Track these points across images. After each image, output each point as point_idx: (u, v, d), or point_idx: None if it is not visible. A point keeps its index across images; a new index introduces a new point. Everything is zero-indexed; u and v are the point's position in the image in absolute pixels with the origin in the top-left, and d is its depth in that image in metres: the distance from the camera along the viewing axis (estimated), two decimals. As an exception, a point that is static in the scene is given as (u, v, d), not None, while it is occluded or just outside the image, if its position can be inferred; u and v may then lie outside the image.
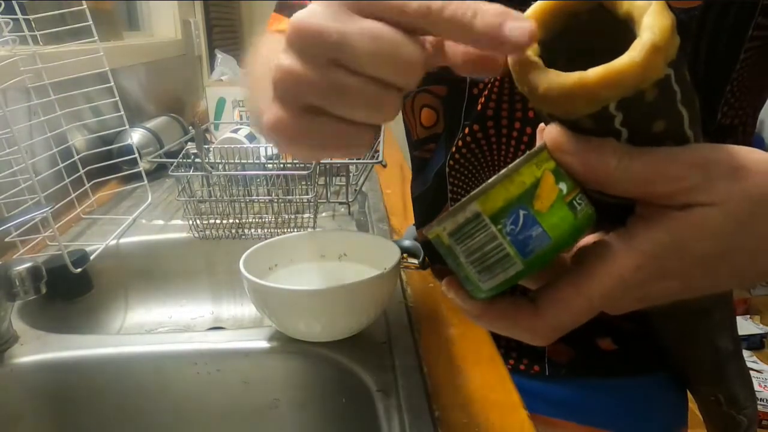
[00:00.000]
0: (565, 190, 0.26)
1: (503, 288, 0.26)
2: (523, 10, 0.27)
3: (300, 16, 0.26)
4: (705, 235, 0.25)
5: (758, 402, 0.63)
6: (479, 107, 0.54)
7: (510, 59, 0.27)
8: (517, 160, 0.25)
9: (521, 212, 0.25)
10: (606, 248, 0.26)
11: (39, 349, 0.55)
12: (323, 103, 0.27)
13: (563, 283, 0.27)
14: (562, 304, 0.27)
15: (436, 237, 0.26)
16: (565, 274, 0.27)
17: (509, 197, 0.25)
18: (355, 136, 0.28)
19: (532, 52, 0.27)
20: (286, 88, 0.27)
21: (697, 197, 0.25)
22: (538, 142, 0.29)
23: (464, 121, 0.55)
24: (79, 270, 0.68)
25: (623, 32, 0.25)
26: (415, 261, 0.71)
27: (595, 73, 0.24)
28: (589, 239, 0.29)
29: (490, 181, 0.25)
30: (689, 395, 0.64)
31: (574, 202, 0.26)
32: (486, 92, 0.53)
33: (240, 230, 0.82)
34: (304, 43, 0.26)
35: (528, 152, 0.26)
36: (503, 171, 0.25)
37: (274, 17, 0.61)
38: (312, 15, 0.26)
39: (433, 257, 0.68)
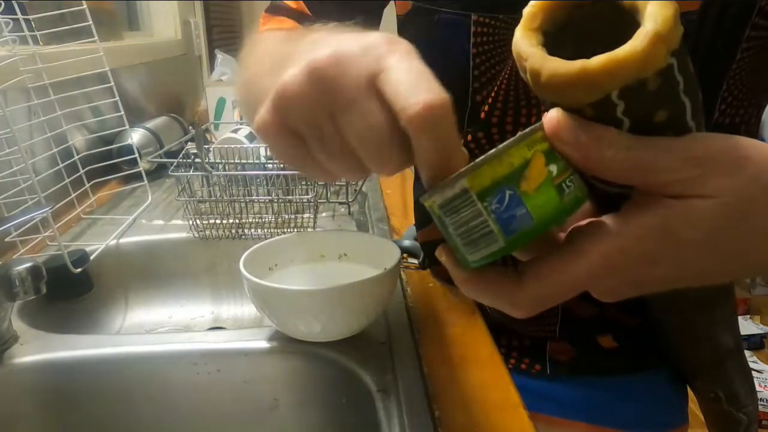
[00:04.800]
0: (555, 172, 0.26)
1: (487, 261, 0.27)
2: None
3: (335, 54, 0.28)
4: (697, 224, 0.25)
5: (758, 402, 0.63)
6: (483, 114, 0.54)
7: (514, 48, 0.28)
8: (509, 140, 0.26)
9: (507, 192, 0.25)
10: (596, 228, 0.27)
11: (39, 349, 0.55)
12: (307, 139, 0.30)
13: (550, 258, 0.27)
14: (545, 278, 0.27)
15: (429, 206, 0.28)
16: (554, 250, 0.27)
17: (496, 177, 0.25)
18: (323, 176, 0.31)
19: (536, 41, 0.27)
20: (284, 105, 0.29)
21: (691, 189, 0.25)
22: None
23: (467, 128, 0.55)
24: (79, 270, 0.68)
25: (628, 22, 0.25)
26: (415, 261, 0.71)
27: (597, 61, 0.24)
28: (584, 221, 0.29)
29: (480, 159, 0.26)
30: (690, 393, 0.64)
31: (563, 185, 0.26)
32: (490, 100, 0.53)
33: (240, 230, 0.82)
34: (318, 83, 0.28)
35: (521, 132, 0.26)
36: (494, 150, 0.25)
37: (265, 18, 0.61)
38: (342, 62, 0.28)
39: (432, 258, 0.68)
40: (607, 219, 0.27)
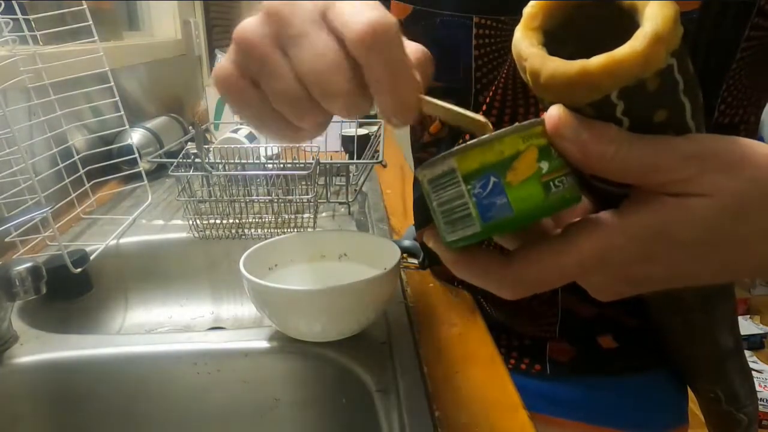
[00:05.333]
0: (545, 169, 0.26)
1: (463, 243, 0.27)
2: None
3: None
4: (694, 224, 0.25)
5: (758, 402, 0.63)
6: (481, 114, 0.54)
7: (514, 48, 0.28)
8: (506, 129, 0.26)
9: (492, 179, 0.26)
10: (591, 222, 0.27)
11: (39, 349, 0.55)
12: (261, 81, 0.29)
13: (542, 244, 0.27)
14: (535, 262, 0.27)
15: (420, 179, 0.28)
16: (546, 239, 0.28)
17: (484, 161, 0.26)
18: (278, 126, 0.30)
19: (536, 41, 0.27)
20: (240, 48, 0.29)
21: (690, 188, 0.25)
22: None
23: None
24: (79, 270, 0.68)
25: (628, 22, 0.25)
26: (415, 261, 0.71)
27: (597, 61, 0.24)
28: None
29: (473, 141, 0.26)
30: (690, 393, 0.64)
31: (551, 183, 0.26)
32: (488, 99, 0.53)
33: (240, 230, 0.82)
34: (271, 21, 0.28)
35: (519, 124, 0.26)
36: (487, 136, 0.26)
37: None
38: (295, 2, 0.28)
39: (432, 258, 0.68)
40: (603, 214, 0.27)
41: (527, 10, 0.28)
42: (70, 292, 0.72)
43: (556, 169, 0.26)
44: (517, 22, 0.28)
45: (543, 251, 0.27)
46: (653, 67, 0.24)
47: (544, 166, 0.26)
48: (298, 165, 0.88)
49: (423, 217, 0.69)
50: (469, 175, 0.26)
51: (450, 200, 0.27)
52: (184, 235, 0.83)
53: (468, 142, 0.26)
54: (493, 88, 0.52)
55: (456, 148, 0.26)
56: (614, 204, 0.27)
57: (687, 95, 0.26)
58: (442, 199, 0.27)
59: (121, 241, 0.81)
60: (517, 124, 0.26)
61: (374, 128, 1.15)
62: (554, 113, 0.26)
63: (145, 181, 0.97)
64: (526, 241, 0.29)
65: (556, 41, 0.27)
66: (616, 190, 0.28)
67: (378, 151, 0.93)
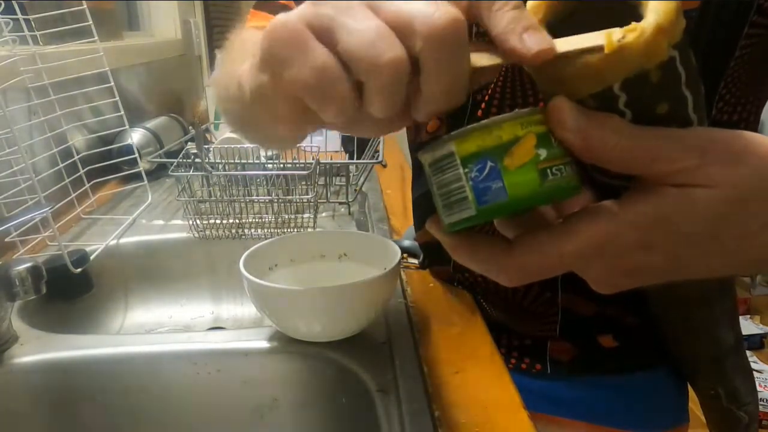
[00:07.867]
0: (543, 156, 0.26)
1: (460, 227, 0.28)
2: None
3: None
4: (694, 214, 0.25)
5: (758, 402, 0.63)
6: (480, 113, 0.54)
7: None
8: (505, 115, 0.26)
9: (489, 163, 0.26)
10: (591, 211, 0.27)
11: (39, 349, 0.55)
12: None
13: (542, 232, 0.28)
14: (534, 250, 0.27)
15: (423, 161, 0.29)
16: (546, 227, 0.28)
17: (482, 146, 0.26)
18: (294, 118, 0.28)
19: None
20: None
21: (692, 179, 0.25)
22: None
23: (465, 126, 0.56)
24: (79, 270, 0.68)
25: (631, 14, 0.25)
26: (415, 261, 0.71)
27: (599, 53, 0.24)
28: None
29: (472, 125, 0.26)
30: (691, 393, 0.64)
31: (548, 171, 0.26)
32: (487, 97, 0.53)
33: (240, 230, 0.82)
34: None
35: (519, 110, 0.26)
36: (487, 120, 0.26)
37: (253, 14, 0.61)
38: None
39: (432, 258, 0.68)
40: (604, 203, 0.27)
41: (530, 4, 0.28)
42: (70, 292, 0.72)
43: (555, 157, 0.26)
44: None
45: (543, 239, 0.27)
46: (655, 59, 0.24)
47: (542, 153, 0.26)
48: (298, 165, 0.88)
49: (421, 218, 0.69)
50: (467, 159, 0.26)
51: (448, 183, 0.27)
52: (184, 235, 0.83)
53: (467, 127, 0.26)
54: (492, 85, 0.52)
55: (456, 132, 0.26)
56: (616, 197, 0.28)
57: (689, 88, 0.26)
58: (441, 181, 0.27)
59: (121, 241, 0.81)
60: (517, 110, 0.26)
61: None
62: (556, 103, 0.26)
63: (145, 181, 0.97)
64: (528, 230, 0.29)
65: (559, 33, 0.27)
66: (618, 182, 0.28)
67: (378, 151, 0.93)
